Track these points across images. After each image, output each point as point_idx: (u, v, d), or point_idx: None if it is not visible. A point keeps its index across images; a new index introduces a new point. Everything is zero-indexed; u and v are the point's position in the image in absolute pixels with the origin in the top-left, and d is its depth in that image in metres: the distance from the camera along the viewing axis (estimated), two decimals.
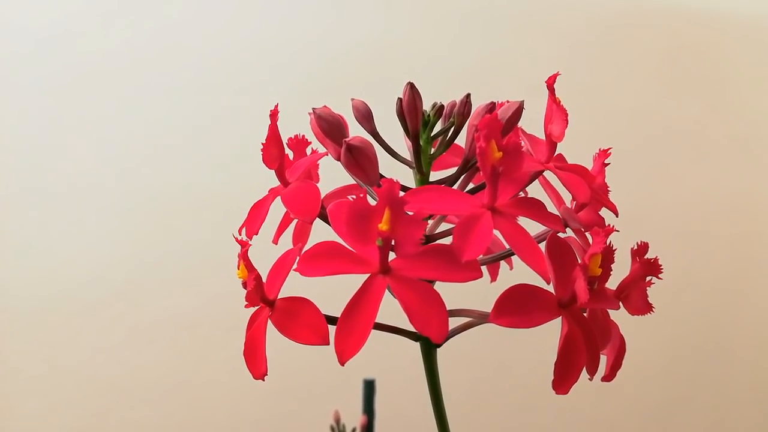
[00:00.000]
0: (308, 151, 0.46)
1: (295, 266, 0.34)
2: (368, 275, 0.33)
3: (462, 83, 1.05)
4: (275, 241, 0.45)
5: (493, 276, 0.48)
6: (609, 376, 0.39)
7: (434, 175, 0.44)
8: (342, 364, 0.32)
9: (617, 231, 0.38)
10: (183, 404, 1.03)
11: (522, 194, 0.42)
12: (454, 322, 0.40)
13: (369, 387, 0.82)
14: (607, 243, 0.33)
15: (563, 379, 0.32)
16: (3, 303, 1.04)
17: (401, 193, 0.34)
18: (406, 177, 0.44)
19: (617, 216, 0.38)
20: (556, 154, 0.38)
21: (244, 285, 0.38)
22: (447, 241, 0.45)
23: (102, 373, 1.03)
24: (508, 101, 0.44)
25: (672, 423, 1.03)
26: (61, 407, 1.02)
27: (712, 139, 1.11)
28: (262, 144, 0.38)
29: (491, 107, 0.36)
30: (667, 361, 1.04)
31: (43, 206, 1.07)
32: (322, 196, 0.47)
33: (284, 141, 0.47)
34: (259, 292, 0.37)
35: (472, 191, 0.41)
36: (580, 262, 0.35)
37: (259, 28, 1.09)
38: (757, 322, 1.08)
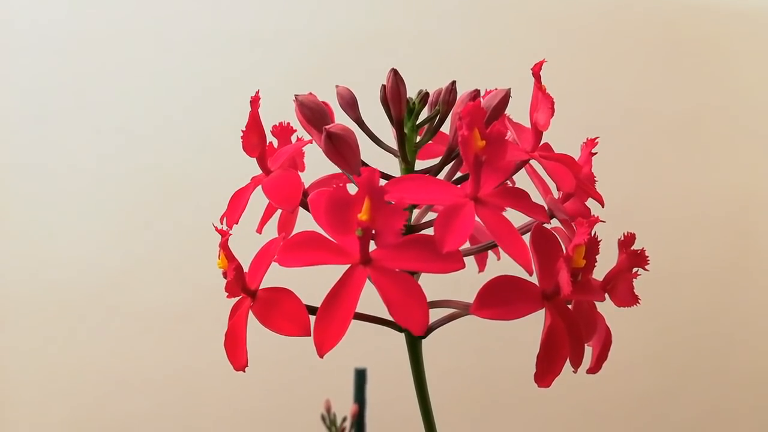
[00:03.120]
0: (293, 138, 0.45)
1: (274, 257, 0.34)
2: (348, 266, 0.32)
3: (451, 71, 1.04)
4: (259, 230, 0.44)
5: (481, 266, 0.47)
6: (594, 368, 0.39)
7: (420, 164, 0.43)
8: (321, 356, 0.31)
9: (603, 222, 0.37)
10: (178, 395, 1.03)
11: (510, 183, 0.42)
12: (438, 313, 0.40)
13: (360, 376, 0.81)
14: (592, 234, 0.32)
15: (545, 372, 0.32)
16: None
17: (383, 182, 0.33)
18: (392, 166, 0.43)
19: (603, 206, 0.37)
20: (542, 143, 0.37)
21: (225, 275, 0.38)
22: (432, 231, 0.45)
23: (97, 363, 1.03)
24: (496, 89, 0.43)
25: (662, 414, 1.03)
26: (56, 398, 1.02)
27: (706, 130, 1.11)
28: (242, 131, 0.38)
29: (475, 95, 0.36)
30: (657, 352, 1.04)
31: (36, 196, 1.06)
32: (308, 184, 0.47)
33: (269, 129, 0.46)
34: (240, 283, 0.37)
35: (458, 180, 0.40)
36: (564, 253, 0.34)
37: (243, 16, 1.08)
38: (750, 313, 1.08)
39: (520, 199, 0.33)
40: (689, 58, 1.11)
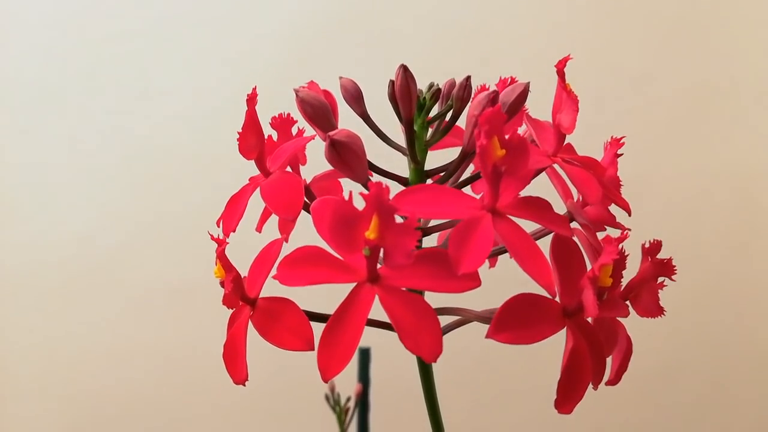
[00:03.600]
0: (294, 130, 0.42)
1: (273, 272, 0.31)
2: (355, 284, 0.30)
3: (450, 44, 0.99)
4: (259, 229, 0.42)
5: (492, 262, 0.45)
6: (614, 381, 0.37)
7: (430, 162, 0.40)
8: (325, 381, 0.29)
9: (629, 230, 0.35)
10: (179, 372, 1.01)
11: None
12: (447, 319, 0.37)
13: (364, 355, 0.80)
14: (620, 249, 0.30)
15: (567, 398, 0.30)
16: None
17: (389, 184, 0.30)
18: (401, 163, 0.40)
19: (630, 215, 0.34)
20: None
21: (222, 284, 0.35)
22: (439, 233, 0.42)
23: (97, 341, 1.01)
24: (511, 79, 0.40)
25: (670, 389, 1.02)
26: (55, 375, 1.01)
27: (713, 105, 1.06)
28: (238, 133, 0.35)
29: (493, 96, 0.33)
30: (666, 330, 1.02)
31: (36, 169, 1.03)
32: (309, 180, 0.44)
33: (268, 115, 0.43)
34: (239, 293, 0.35)
35: (471, 179, 0.37)
36: (588, 267, 0.32)
37: None
38: (755, 294, 1.06)
39: (542, 211, 0.31)
40: (702, 28, 1.05)
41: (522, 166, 0.29)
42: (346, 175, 0.33)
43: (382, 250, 0.28)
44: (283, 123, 0.41)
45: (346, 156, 0.31)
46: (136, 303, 1.02)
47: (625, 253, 0.30)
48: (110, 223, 1.03)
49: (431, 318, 0.29)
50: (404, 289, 0.30)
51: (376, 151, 0.41)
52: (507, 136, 0.29)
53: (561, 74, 0.32)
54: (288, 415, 1.01)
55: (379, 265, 0.30)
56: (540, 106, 0.43)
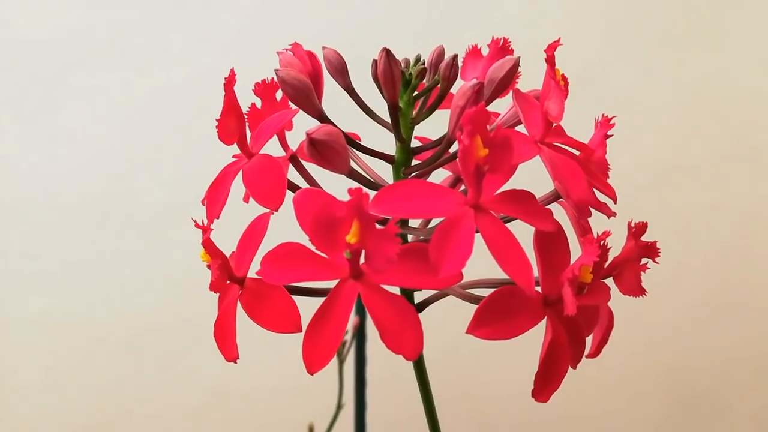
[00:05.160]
0: (278, 95, 0.41)
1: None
2: (338, 281, 0.30)
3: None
4: (246, 199, 0.41)
5: None
6: (594, 354, 0.38)
7: (417, 137, 0.39)
8: (311, 374, 0.30)
9: (614, 214, 0.34)
10: (184, 294, 1.03)
11: None
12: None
13: None
14: (601, 247, 0.29)
15: (545, 387, 0.31)
16: None
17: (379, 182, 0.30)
18: (387, 138, 0.40)
19: (616, 203, 0.34)
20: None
21: (209, 267, 0.36)
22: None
23: (99, 263, 1.03)
24: (503, 40, 0.38)
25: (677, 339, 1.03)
26: (61, 300, 1.03)
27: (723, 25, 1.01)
28: (217, 120, 0.33)
29: (479, 89, 0.31)
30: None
31: (35, 93, 1.00)
32: (295, 148, 0.43)
33: (250, 83, 0.41)
34: (226, 276, 0.35)
35: (455, 156, 0.36)
36: (573, 251, 0.32)
37: None
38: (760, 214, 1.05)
39: (525, 204, 0.30)
40: None
41: (506, 162, 0.28)
42: (328, 169, 0.32)
43: (363, 251, 0.28)
44: (266, 89, 0.40)
45: (326, 154, 0.30)
46: (138, 226, 1.02)
47: (608, 247, 0.30)
48: (111, 149, 1.01)
49: (413, 318, 0.29)
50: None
51: (362, 125, 0.40)
52: (491, 132, 0.28)
53: (550, 61, 0.31)
54: (284, 344, 1.04)
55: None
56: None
